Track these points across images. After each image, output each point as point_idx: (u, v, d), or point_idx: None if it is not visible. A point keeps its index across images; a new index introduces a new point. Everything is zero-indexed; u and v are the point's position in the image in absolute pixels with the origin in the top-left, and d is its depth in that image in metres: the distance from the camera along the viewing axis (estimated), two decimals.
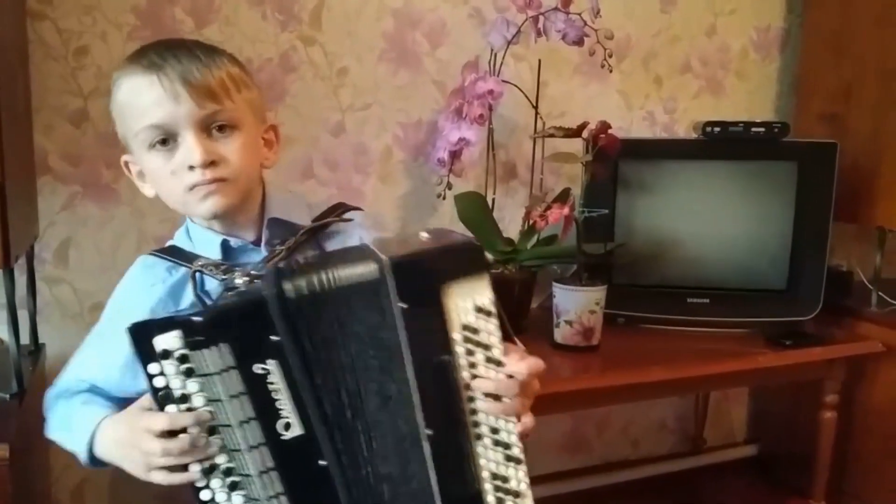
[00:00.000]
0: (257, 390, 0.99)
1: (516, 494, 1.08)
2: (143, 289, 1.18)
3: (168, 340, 0.97)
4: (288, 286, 0.98)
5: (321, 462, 1.02)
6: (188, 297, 1.14)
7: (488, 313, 1.03)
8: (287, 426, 1.01)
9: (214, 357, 0.97)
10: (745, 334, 2.23)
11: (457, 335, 1.02)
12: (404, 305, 1.00)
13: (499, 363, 1.04)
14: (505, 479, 1.08)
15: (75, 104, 1.90)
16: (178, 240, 1.23)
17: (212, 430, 1.00)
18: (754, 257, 2.30)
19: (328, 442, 1.02)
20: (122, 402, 1.19)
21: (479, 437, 1.06)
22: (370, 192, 2.23)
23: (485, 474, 1.07)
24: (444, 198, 2.13)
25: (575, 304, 2.00)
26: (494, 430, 1.06)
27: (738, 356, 2.11)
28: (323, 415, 1.01)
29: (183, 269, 1.16)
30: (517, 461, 1.07)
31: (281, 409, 1.00)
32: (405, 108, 2.24)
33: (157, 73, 1.08)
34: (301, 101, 2.11)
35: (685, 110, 2.63)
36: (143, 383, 1.14)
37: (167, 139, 1.10)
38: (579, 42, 2.09)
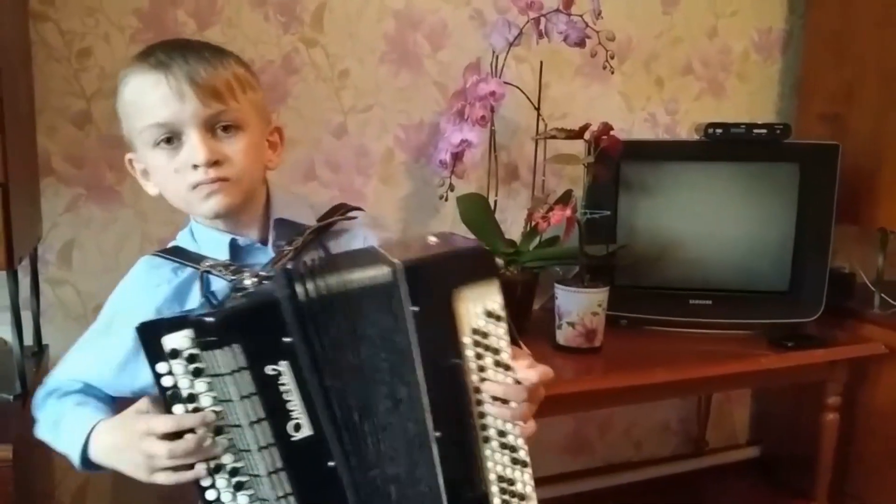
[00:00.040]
0: (268, 391, 0.99)
1: (522, 497, 1.10)
2: (147, 289, 1.17)
3: (177, 340, 0.97)
4: (300, 288, 0.99)
5: (330, 463, 1.03)
6: (194, 298, 1.15)
7: (498, 318, 1.04)
8: (297, 427, 1.01)
9: (226, 357, 0.97)
10: (748, 336, 2.23)
11: (467, 339, 1.04)
12: (416, 309, 1.00)
13: (507, 367, 1.05)
14: (511, 482, 1.09)
15: (78, 106, 1.90)
16: (182, 240, 1.22)
17: (218, 430, 1.00)
18: (756, 259, 2.30)
19: (337, 443, 1.02)
20: (115, 402, 1.20)
21: (486, 439, 1.07)
22: (372, 194, 2.23)
23: (492, 477, 1.08)
24: (445, 199, 2.13)
25: (577, 306, 2.00)
26: (502, 434, 1.07)
27: (741, 358, 2.11)
28: (332, 416, 1.01)
29: (189, 270, 1.16)
30: (523, 464, 1.09)
31: (291, 411, 1.00)
32: (407, 110, 2.24)
33: (163, 71, 1.08)
34: (303, 103, 2.11)
35: (687, 112, 2.63)
36: (139, 383, 1.15)
37: (172, 138, 1.10)
38: (581, 44, 2.09)
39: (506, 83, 2.09)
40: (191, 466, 1.01)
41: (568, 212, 1.96)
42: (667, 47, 2.56)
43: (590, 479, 2.67)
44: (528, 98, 2.20)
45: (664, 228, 2.27)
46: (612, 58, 2.10)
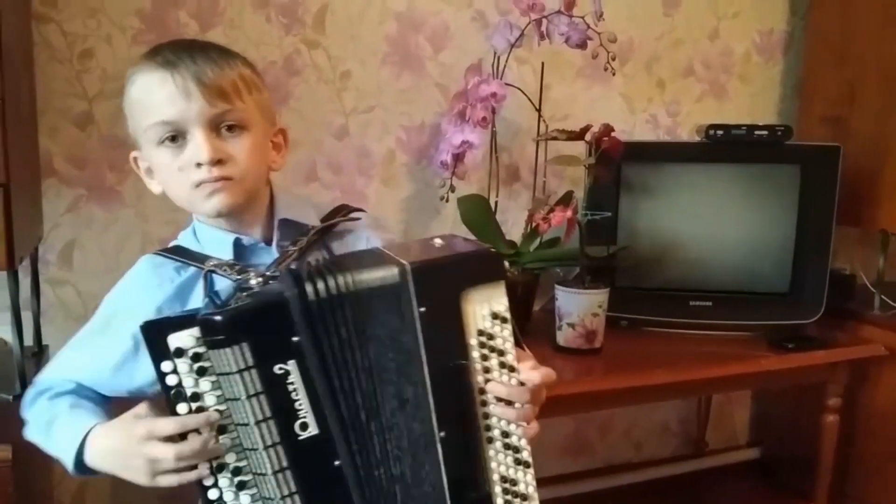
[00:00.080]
0: (276, 390, 0.99)
1: (524, 497, 1.10)
2: (149, 287, 1.17)
3: (182, 339, 0.98)
4: (310, 288, 1.00)
5: (336, 462, 1.03)
6: (197, 297, 1.14)
7: (503, 320, 1.05)
8: (304, 426, 1.01)
9: (234, 356, 0.97)
10: (748, 337, 2.23)
11: (473, 340, 1.05)
12: (424, 309, 1.01)
13: (512, 369, 1.07)
14: (514, 482, 1.10)
15: (80, 107, 1.90)
16: (184, 240, 1.22)
17: (221, 429, 1.01)
18: (757, 260, 2.30)
19: (343, 442, 1.03)
20: (109, 403, 1.19)
21: (490, 440, 1.08)
22: (373, 195, 2.23)
23: (495, 477, 1.09)
24: (447, 200, 2.13)
25: (577, 307, 2.00)
26: (505, 434, 1.08)
27: (741, 359, 2.11)
28: (339, 416, 1.02)
29: (192, 270, 1.16)
30: (526, 465, 1.10)
31: (298, 410, 1.01)
32: (408, 112, 2.24)
33: (170, 70, 1.09)
34: (304, 105, 2.11)
35: (688, 113, 2.63)
36: (136, 382, 1.15)
37: (176, 136, 1.10)
38: (582, 45, 2.09)
39: (507, 84, 2.09)
40: (194, 467, 1.01)
41: (569, 213, 1.96)
42: (668, 49, 2.56)
43: (590, 480, 2.67)
44: (529, 99, 2.21)
45: (665, 230, 2.27)
46: (614, 59, 2.10)
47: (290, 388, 1.00)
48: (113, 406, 1.19)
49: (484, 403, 1.07)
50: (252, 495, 1.03)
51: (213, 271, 1.13)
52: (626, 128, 2.48)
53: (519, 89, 2.18)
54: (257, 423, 0.99)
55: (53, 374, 1.21)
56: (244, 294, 1.04)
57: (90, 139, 1.92)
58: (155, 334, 0.98)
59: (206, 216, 1.18)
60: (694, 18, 2.58)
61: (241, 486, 1.02)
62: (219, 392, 1.00)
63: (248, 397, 0.98)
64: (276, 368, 0.99)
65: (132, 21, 1.92)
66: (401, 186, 2.28)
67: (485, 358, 1.06)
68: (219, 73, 1.10)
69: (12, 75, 1.52)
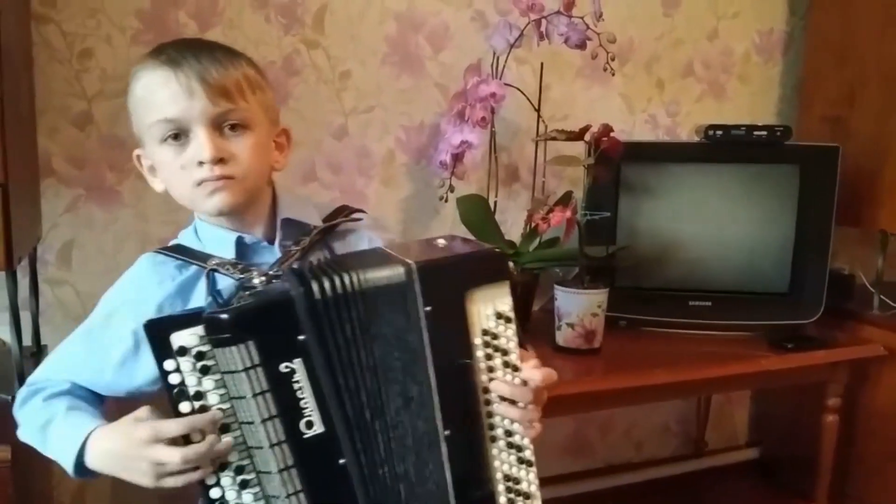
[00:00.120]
0: (282, 388, 1.00)
1: (527, 496, 1.11)
2: (150, 285, 1.17)
3: (185, 337, 0.98)
4: (316, 287, 1.00)
5: (341, 461, 1.03)
6: (198, 296, 1.14)
7: (507, 319, 1.06)
8: (309, 424, 1.01)
9: (241, 354, 0.97)
10: (748, 337, 2.23)
11: (477, 339, 1.06)
12: (429, 309, 1.02)
13: (515, 368, 1.08)
14: (517, 481, 1.11)
15: (79, 107, 1.90)
16: (185, 239, 1.22)
17: (224, 428, 1.01)
18: (756, 260, 2.30)
19: (348, 441, 1.03)
20: (104, 403, 1.19)
21: (493, 439, 1.09)
22: (373, 195, 2.23)
23: (498, 476, 1.09)
24: (446, 200, 2.13)
25: (577, 307, 2.00)
26: (509, 433, 1.09)
27: (741, 359, 2.11)
28: (344, 414, 1.03)
29: (193, 268, 1.16)
30: (529, 463, 1.11)
31: (304, 408, 1.01)
32: (408, 112, 2.24)
33: (174, 69, 1.09)
34: (304, 105, 2.11)
35: (688, 114, 2.63)
36: (136, 382, 1.15)
37: (179, 134, 1.11)
38: (582, 45, 2.09)
39: (506, 85, 2.10)
40: (198, 467, 1.01)
41: (568, 213, 1.96)
42: (668, 49, 2.56)
43: (590, 480, 2.67)
44: (528, 100, 2.21)
45: (664, 230, 2.27)
46: (613, 59, 2.11)
47: (296, 386, 1.00)
48: (108, 407, 1.19)
49: (488, 402, 1.08)
50: (255, 494, 1.03)
51: (215, 270, 1.13)
52: (625, 128, 2.48)
53: (518, 89, 2.18)
54: (263, 421, 0.99)
55: (48, 373, 1.20)
56: (247, 293, 1.04)
57: (89, 139, 1.92)
58: (158, 333, 0.98)
59: (207, 215, 1.18)
60: (693, 18, 2.58)
61: (243, 485, 1.02)
62: (222, 391, 1.00)
63: (254, 396, 0.99)
64: (282, 367, 0.99)
65: (131, 21, 1.92)
66: (400, 186, 2.28)
67: (489, 357, 1.07)
68: (223, 72, 1.11)
69: (12, 75, 1.52)
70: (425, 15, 2.22)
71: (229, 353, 0.97)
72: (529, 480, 1.11)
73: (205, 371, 0.99)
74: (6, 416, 1.21)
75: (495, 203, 2.23)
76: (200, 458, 0.99)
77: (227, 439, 1.00)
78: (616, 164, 2.15)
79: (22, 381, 1.52)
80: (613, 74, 2.20)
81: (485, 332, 1.06)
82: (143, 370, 1.14)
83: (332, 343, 1.01)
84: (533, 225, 2.08)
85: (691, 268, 2.29)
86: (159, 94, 1.10)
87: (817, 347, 2.17)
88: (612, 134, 2.05)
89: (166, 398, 1.01)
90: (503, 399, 1.07)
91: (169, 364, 0.98)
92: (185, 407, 1.00)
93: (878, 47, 2.40)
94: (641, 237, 2.26)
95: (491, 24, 2.23)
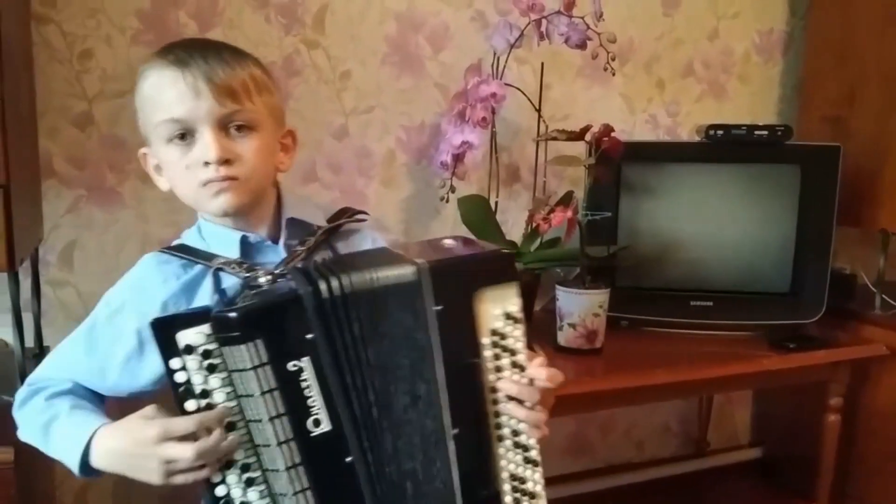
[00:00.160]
0: (290, 387, 1.00)
1: (532, 496, 1.12)
2: (154, 284, 1.17)
3: (191, 336, 0.99)
4: (323, 285, 1.01)
5: (348, 459, 1.04)
6: (203, 295, 1.15)
7: (516, 320, 1.07)
8: (316, 422, 1.02)
9: (249, 353, 0.98)
10: (749, 337, 2.23)
11: (486, 339, 1.07)
12: (439, 308, 1.03)
13: (523, 368, 1.09)
14: (522, 481, 1.11)
15: (80, 107, 1.90)
16: (188, 239, 1.22)
17: (230, 427, 1.01)
18: (758, 260, 2.30)
19: (355, 439, 1.04)
20: (105, 404, 1.19)
21: (500, 438, 1.10)
22: (373, 196, 2.23)
23: (504, 475, 1.10)
24: (447, 201, 2.13)
25: (578, 307, 2.00)
26: (515, 433, 1.10)
27: (742, 359, 2.11)
28: (352, 412, 1.03)
29: (198, 267, 1.17)
30: (535, 463, 1.11)
31: (311, 406, 1.01)
32: (408, 112, 2.24)
33: (181, 69, 1.09)
34: (304, 105, 2.11)
35: (688, 113, 2.63)
36: (140, 381, 1.16)
37: (185, 134, 1.11)
38: (582, 45, 2.09)
39: (507, 85, 2.10)
40: (204, 465, 1.01)
41: (569, 213, 1.96)
42: (668, 49, 2.56)
43: (591, 480, 2.67)
44: (529, 100, 2.21)
45: (665, 230, 2.27)
46: (614, 59, 2.10)
47: (304, 384, 1.01)
48: (109, 407, 1.19)
49: (495, 402, 1.08)
50: (260, 492, 1.03)
51: (221, 269, 1.13)
52: (625, 128, 2.48)
53: (519, 89, 2.18)
54: (270, 419, 1.00)
55: (49, 372, 1.20)
56: (252, 292, 1.05)
57: (90, 140, 1.92)
58: (164, 331, 0.99)
59: (212, 215, 1.18)
60: (694, 18, 2.58)
61: (248, 483, 1.03)
62: (228, 389, 1.00)
63: (262, 394, 0.99)
64: (290, 365, 1.00)
65: (132, 21, 1.92)
66: (401, 187, 2.27)
67: (497, 357, 1.07)
68: (230, 73, 1.11)
69: (12, 76, 1.52)
70: (425, 15, 2.22)
71: (237, 351, 0.98)
72: (535, 480, 1.12)
73: (211, 369, 1.00)
74: (8, 418, 1.21)
75: (496, 203, 2.23)
76: (211, 453, 1.00)
77: (233, 436, 1.01)
78: (617, 164, 2.15)
79: (22, 384, 1.53)
80: (614, 74, 2.20)
81: (493, 332, 1.06)
82: (147, 370, 1.14)
83: (339, 341, 1.02)
84: (534, 225, 2.08)
85: (692, 268, 2.29)
86: (166, 94, 1.10)
87: (819, 347, 2.16)
88: (612, 134, 2.05)
89: (172, 396, 1.01)
90: (510, 398, 1.08)
91: (175, 362, 0.99)
92: (191, 405, 1.00)
93: (878, 47, 2.40)
94: (642, 237, 2.26)
95: (491, 24, 2.23)
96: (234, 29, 2.00)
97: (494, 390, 1.08)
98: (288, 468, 1.01)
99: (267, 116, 1.16)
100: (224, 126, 1.11)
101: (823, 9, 2.62)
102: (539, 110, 2.22)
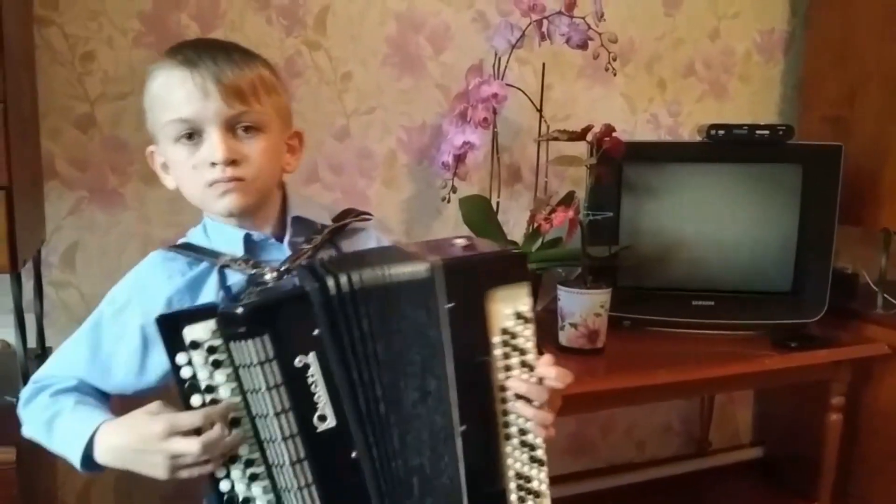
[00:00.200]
0: (296, 382, 1.01)
1: (537, 495, 1.13)
2: (159, 281, 1.17)
3: (197, 331, 0.99)
4: (331, 282, 1.02)
5: (353, 454, 1.04)
6: (207, 292, 1.15)
7: (526, 320, 1.08)
8: (322, 418, 1.02)
9: (256, 348, 0.98)
10: (751, 336, 2.23)
11: (496, 338, 1.07)
12: (451, 306, 1.04)
13: (532, 368, 1.09)
14: (528, 479, 1.12)
15: (82, 109, 1.91)
16: (193, 237, 1.23)
17: (234, 422, 1.02)
18: (759, 260, 2.30)
19: (361, 434, 1.04)
20: (109, 401, 1.19)
21: (507, 436, 1.10)
22: (374, 196, 2.23)
23: (510, 473, 1.11)
24: (448, 201, 2.13)
25: (580, 307, 2.00)
26: (523, 432, 1.11)
27: (744, 358, 2.11)
28: (357, 408, 1.04)
29: (203, 265, 1.17)
30: (540, 463, 1.12)
31: (317, 402, 1.02)
32: (409, 112, 2.25)
33: (190, 69, 1.10)
34: (306, 106, 2.11)
35: (689, 113, 2.63)
36: (144, 379, 1.16)
37: (193, 134, 1.11)
38: (583, 46, 2.09)
39: (508, 85, 2.09)
40: (209, 460, 1.02)
41: (570, 213, 1.96)
42: (669, 49, 2.57)
43: (592, 480, 2.67)
44: (530, 100, 2.21)
45: (667, 230, 2.27)
46: (615, 60, 2.10)
47: (310, 380, 1.01)
48: (113, 404, 1.19)
49: (504, 400, 1.09)
50: (264, 487, 1.04)
51: (227, 266, 1.14)
52: (627, 128, 2.49)
53: (520, 90, 2.18)
54: (276, 414, 1.00)
55: (54, 370, 1.20)
56: (258, 288, 1.05)
57: (92, 141, 1.93)
58: (170, 326, 0.99)
59: (218, 215, 1.19)
60: (695, 18, 2.58)
61: (252, 479, 1.03)
62: (233, 384, 1.01)
63: (268, 389, 1.00)
64: (297, 361, 1.01)
65: (133, 23, 1.92)
66: (402, 187, 2.28)
67: (506, 356, 1.08)
68: (238, 74, 1.12)
69: (14, 78, 1.52)
70: (426, 16, 2.22)
71: (244, 346, 0.98)
72: (540, 479, 1.12)
73: (217, 365, 1.00)
74: (11, 418, 1.22)
75: (497, 203, 2.23)
76: (216, 447, 1.00)
77: (238, 431, 1.01)
78: (618, 163, 2.15)
79: (26, 383, 1.53)
80: (615, 74, 2.20)
81: (504, 332, 1.07)
82: (151, 368, 1.15)
83: (347, 337, 1.03)
84: (535, 225, 2.08)
85: (694, 267, 2.29)
86: (175, 94, 1.11)
87: (820, 346, 2.16)
88: (614, 134, 2.05)
89: (177, 391, 1.02)
90: (519, 397, 1.08)
91: (181, 358, 1.00)
92: (196, 400, 1.01)
93: (878, 47, 2.40)
94: (644, 237, 2.26)
95: (492, 25, 2.23)
96: (236, 31, 2.00)
97: (503, 389, 1.08)
98: (293, 463, 1.02)
99: (274, 117, 1.17)
100: (231, 127, 1.12)
101: (824, 8, 2.62)
102: (540, 110, 2.22)
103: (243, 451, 1.03)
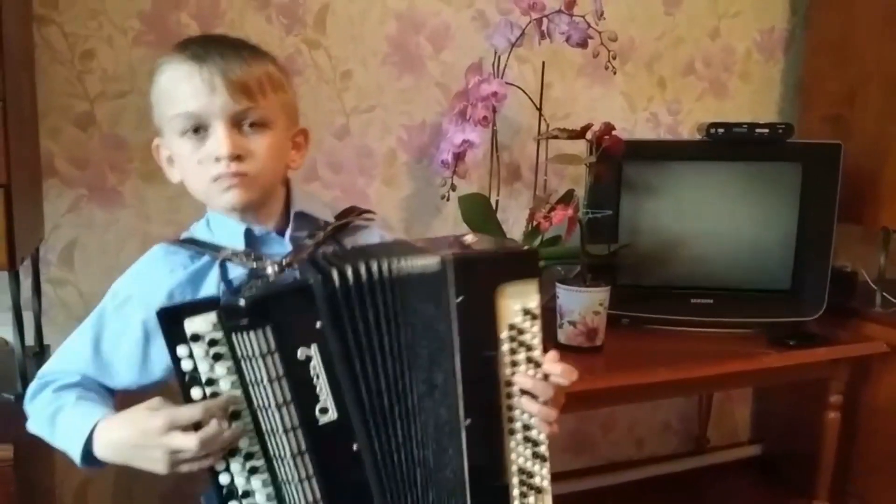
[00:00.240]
0: (297, 374, 1.01)
1: (539, 490, 1.13)
2: (161, 274, 1.18)
3: (198, 324, 0.99)
4: (335, 274, 1.02)
5: (354, 447, 1.05)
6: (209, 285, 1.16)
7: (534, 317, 1.09)
8: (323, 411, 1.03)
9: (258, 340, 0.99)
10: (749, 335, 2.23)
11: (504, 334, 1.08)
12: (461, 300, 1.04)
13: (538, 364, 1.10)
14: (530, 475, 1.12)
15: (81, 107, 1.91)
16: (196, 232, 1.23)
17: (235, 415, 1.02)
18: (758, 258, 2.30)
19: (363, 428, 1.05)
20: (114, 397, 1.20)
21: (512, 432, 1.10)
22: (374, 195, 2.24)
23: (513, 468, 1.11)
24: (447, 199, 2.13)
25: (579, 305, 2.00)
26: (527, 427, 1.11)
27: (742, 357, 2.11)
28: (359, 401, 1.04)
29: (205, 258, 1.18)
30: (543, 459, 1.12)
31: (319, 395, 1.03)
32: (409, 111, 2.25)
33: (198, 64, 1.10)
34: (305, 105, 2.10)
35: (689, 112, 2.63)
36: (147, 374, 1.17)
37: (199, 128, 1.12)
38: (583, 44, 2.09)
39: (508, 84, 2.10)
40: (209, 454, 1.02)
41: (570, 211, 1.96)
42: (669, 48, 2.56)
43: (591, 478, 2.68)
44: (530, 98, 2.21)
45: (666, 228, 2.27)
46: (615, 58, 2.10)
47: (312, 372, 1.02)
48: (117, 401, 1.19)
49: (509, 396, 1.09)
50: (263, 480, 1.04)
51: (228, 259, 1.14)
52: (626, 126, 2.49)
53: (520, 88, 2.18)
54: (277, 406, 1.01)
55: (59, 365, 1.21)
56: (259, 281, 1.06)
57: (91, 140, 1.93)
58: (171, 319, 0.99)
59: (221, 210, 1.19)
60: (695, 17, 2.58)
61: (252, 472, 1.04)
62: (234, 377, 1.01)
63: (270, 381, 1.00)
64: (299, 353, 1.01)
65: (133, 22, 1.92)
66: (402, 186, 2.28)
67: (513, 352, 1.08)
68: (246, 70, 1.12)
69: (13, 76, 1.52)
70: (426, 15, 2.22)
71: (246, 338, 0.99)
72: (543, 475, 1.13)
73: (217, 358, 1.00)
74: (8, 416, 1.22)
75: (497, 202, 2.23)
76: (215, 441, 1.00)
77: (238, 424, 1.01)
78: (618, 162, 2.15)
79: (25, 381, 1.55)
80: (615, 73, 2.20)
81: (511, 327, 1.07)
82: (155, 362, 1.16)
83: (350, 330, 1.03)
84: (535, 223, 2.08)
85: (693, 265, 2.29)
86: (182, 88, 1.11)
87: (819, 345, 2.16)
88: (613, 132, 2.05)
89: (178, 384, 1.02)
90: (524, 393, 1.09)
91: (181, 350, 1.00)
92: (196, 393, 1.01)
93: (878, 45, 2.40)
94: (643, 235, 2.26)
95: (492, 24, 2.23)
96: (236, 29, 2.00)
97: (509, 384, 1.09)
98: (294, 455, 1.02)
99: (281, 114, 1.17)
100: (237, 122, 1.12)
101: (824, 8, 2.62)
102: (540, 109, 2.22)
103: (243, 444, 1.03)
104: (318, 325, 1.02)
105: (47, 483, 1.87)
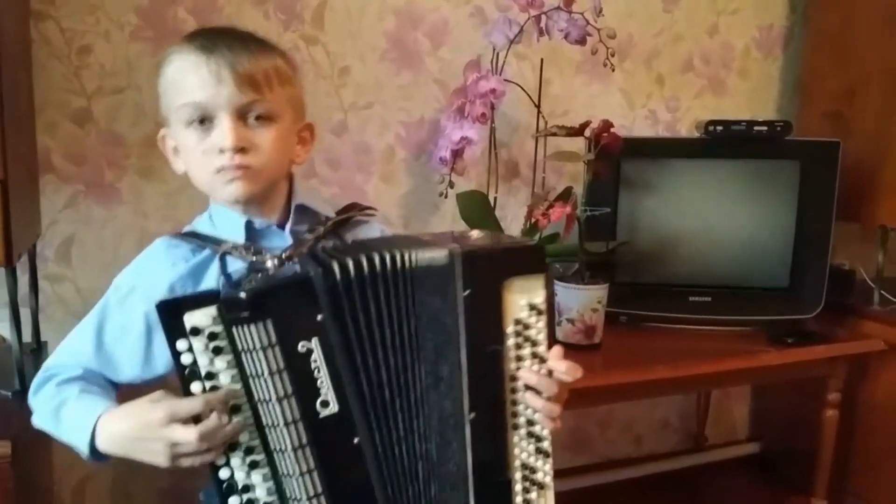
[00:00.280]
0: (298, 367, 1.01)
1: (541, 486, 1.13)
2: (163, 267, 1.18)
3: (198, 317, 0.99)
4: (336, 267, 1.02)
5: (355, 440, 1.05)
6: (210, 278, 1.16)
7: (540, 312, 1.09)
8: (324, 404, 1.03)
9: (259, 333, 0.99)
10: (748, 332, 2.23)
11: (510, 328, 1.08)
12: (468, 293, 1.04)
13: (543, 360, 1.10)
14: (533, 470, 1.13)
15: (78, 103, 1.90)
16: (199, 225, 1.23)
17: (235, 409, 1.02)
18: (757, 256, 2.30)
19: (364, 421, 1.05)
20: (117, 390, 1.19)
21: (515, 426, 1.10)
22: (372, 192, 2.23)
23: (516, 463, 1.11)
24: (445, 196, 2.13)
25: (577, 303, 2.00)
26: (531, 423, 1.11)
27: (741, 354, 2.11)
28: (360, 394, 1.04)
29: (206, 251, 1.18)
30: (546, 454, 1.13)
31: (320, 388, 1.02)
32: (407, 108, 2.24)
33: (206, 55, 1.11)
34: None
35: (688, 109, 2.63)
36: (150, 367, 1.17)
37: (205, 119, 1.12)
38: (582, 41, 2.09)
39: (506, 80, 2.09)
40: (210, 448, 1.02)
41: (568, 209, 1.96)
42: (668, 45, 2.56)
43: (590, 475, 2.67)
44: (528, 95, 2.21)
45: (664, 225, 2.27)
46: (613, 55, 2.10)
47: (313, 365, 1.02)
48: (120, 394, 1.19)
49: (513, 390, 1.09)
50: (264, 475, 1.04)
51: (228, 253, 1.14)
52: (625, 123, 2.48)
53: (518, 85, 2.18)
54: (278, 399, 1.00)
55: (62, 358, 1.21)
56: (258, 275, 1.06)
57: (88, 136, 1.92)
58: (170, 313, 0.99)
59: (224, 202, 1.19)
60: (693, 14, 2.58)
61: (252, 466, 1.03)
62: (234, 371, 1.01)
63: (271, 374, 1.00)
64: (300, 346, 1.01)
65: (130, 17, 1.92)
66: (400, 182, 2.27)
67: (518, 347, 1.08)
68: (253, 62, 1.12)
69: (10, 72, 1.52)
70: (424, 11, 2.22)
71: (246, 331, 0.98)
72: (545, 471, 1.13)
73: (217, 351, 1.00)
74: (6, 413, 1.22)
75: (495, 199, 2.23)
76: (214, 435, 1.00)
77: (236, 419, 1.01)
78: (616, 159, 2.15)
79: (22, 377, 1.54)
80: (613, 70, 2.20)
81: (517, 322, 1.07)
82: (157, 355, 1.16)
83: (351, 323, 1.03)
84: (533, 220, 2.07)
85: (691, 263, 2.29)
86: (189, 79, 1.11)
87: (817, 342, 2.16)
88: (612, 129, 2.05)
89: (178, 378, 1.02)
90: (528, 388, 1.09)
91: (181, 344, 1.00)
92: (196, 387, 1.01)
93: (877, 43, 2.40)
94: (641, 233, 2.26)
95: (490, 20, 2.23)
96: (233, 25, 1.99)
97: (514, 379, 1.09)
98: (295, 449, 1.02)
99: (287, 108, 1.17)
100: (243, 115, 1.12)
101: (823, 4, 2.62)
102: (538, 106, 2.22)
103: (243, 438, 1.03)
104: (319, 317, 1.02)
105: (45, 480, 1.86)
